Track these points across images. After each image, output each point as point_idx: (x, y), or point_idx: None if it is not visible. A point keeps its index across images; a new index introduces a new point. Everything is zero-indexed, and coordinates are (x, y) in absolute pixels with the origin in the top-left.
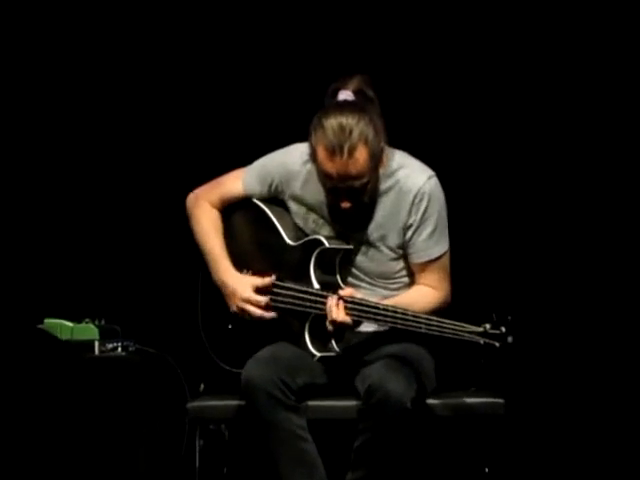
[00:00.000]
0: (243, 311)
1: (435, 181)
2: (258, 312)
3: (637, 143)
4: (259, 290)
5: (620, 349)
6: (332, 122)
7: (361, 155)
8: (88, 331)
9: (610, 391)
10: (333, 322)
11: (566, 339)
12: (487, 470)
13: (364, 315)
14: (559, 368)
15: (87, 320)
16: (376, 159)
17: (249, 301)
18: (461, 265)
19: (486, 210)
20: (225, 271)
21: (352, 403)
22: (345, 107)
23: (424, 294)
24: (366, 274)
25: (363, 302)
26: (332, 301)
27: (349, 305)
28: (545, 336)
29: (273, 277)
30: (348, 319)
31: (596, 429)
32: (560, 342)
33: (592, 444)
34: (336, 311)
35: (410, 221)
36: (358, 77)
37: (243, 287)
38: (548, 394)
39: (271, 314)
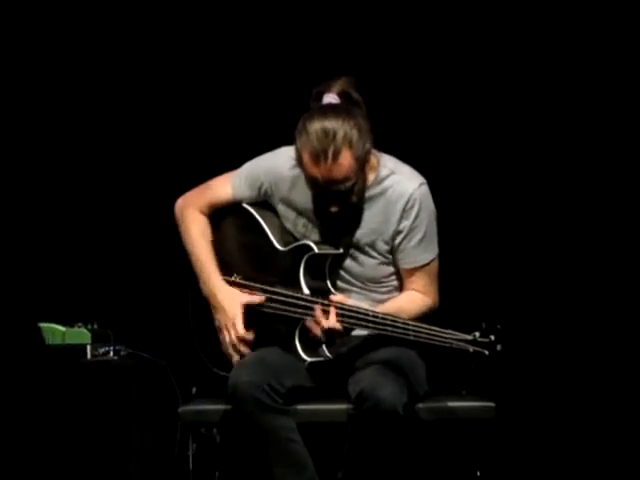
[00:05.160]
0: (223, 330)
1: (426, 188)
2: (235, 341)
3: (629, 160)
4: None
5: (608, 353)
6: (316, 126)
7: (345, 159)
8: (80, 335)
9: (600, 394)
10: (323, 329)
11: (555, 345)
12: (479, 473)
13: (354, 322)
14: (549, 372)
15: (79, 324)
16: (361, 161)
17: (235, 327)
18: (451, 273)
19: (476, 218)
20: (216, 285)
21: (342, 407)
22: (329, 111)
23: (413, 300)
24: (356, 278)
25: (353, 309)
26: (321, 308)
27: (339, 312)
28: (535, 342)
29: (263, 297)
30: (338, 325)
31: (586, 432)
32: (549, 347)
33: (582, 447)
34: (325, 318)
35: (400, 227)
36: (343, 79)
37: (233, 305)
38: (538, 398)
39: (246, 349)
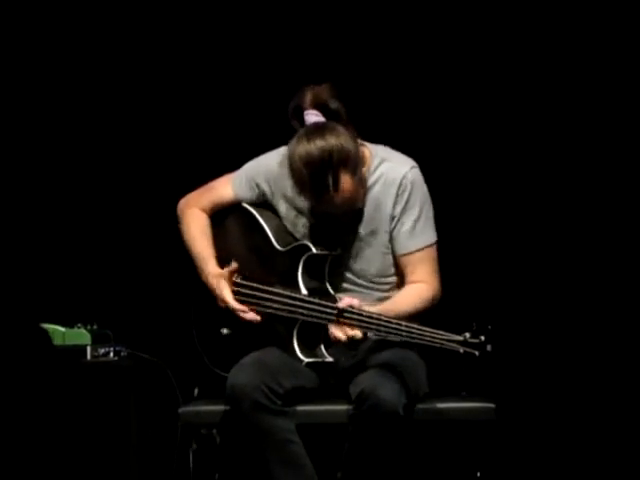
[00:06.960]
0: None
1: (417, 171)
2: (242, 315)
3: (624, 158)
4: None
5: (606, 352)
6: (306, 158)
7: (346, 181)
8: (80, 336)
9: (599, 394)
10: (348, 336)
11: (555, 345)
12: (479, 475)
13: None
14: (549, 373)
15: (79, 325)
16: (359, 174)
17: (229, 305)
18: (443, 273)
19: (467, 218)
20: (209, 273)
21: (342, 407)
22: (312, 136)
23: (414, 291)
24: (358, 276)
25: (347, 309)
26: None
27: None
28: (535, 342)
29: (234, 265)
30: (360, 333)
31: (586, 432)
32: (549, 348)
33: (583, 447)
34: (351, 327)
35: (395, 212)
36: (316, 89)
37: (221, 290)
38: (538, 399)
39: (255, 317)
